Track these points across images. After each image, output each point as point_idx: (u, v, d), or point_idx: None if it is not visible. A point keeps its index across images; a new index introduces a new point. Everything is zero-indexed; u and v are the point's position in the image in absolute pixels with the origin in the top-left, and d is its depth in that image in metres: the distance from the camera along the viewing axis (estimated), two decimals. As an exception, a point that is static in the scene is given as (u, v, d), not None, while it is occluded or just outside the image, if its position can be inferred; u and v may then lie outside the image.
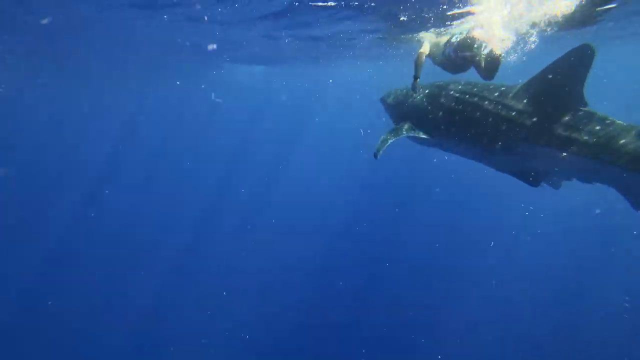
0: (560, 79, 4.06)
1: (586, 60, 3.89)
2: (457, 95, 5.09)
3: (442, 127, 5.27)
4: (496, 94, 4.70)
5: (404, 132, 5.54)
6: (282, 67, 21.56)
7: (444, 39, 6.14)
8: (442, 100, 5.28)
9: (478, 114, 4.73)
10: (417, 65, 5.67)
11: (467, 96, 4.94)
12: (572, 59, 3.93)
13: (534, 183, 4.66)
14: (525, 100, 4.39)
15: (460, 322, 14.29)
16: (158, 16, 9.87)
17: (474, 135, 4.84)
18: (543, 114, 4.19)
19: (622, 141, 3.66)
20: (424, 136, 5.51)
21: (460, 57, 5.51)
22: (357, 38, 12.50)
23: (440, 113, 5.26)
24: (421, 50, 5.88)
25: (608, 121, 3.89)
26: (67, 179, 28.12)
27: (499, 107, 4.54)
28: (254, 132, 41.14)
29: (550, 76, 4.16)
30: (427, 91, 5.73)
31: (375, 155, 5.27)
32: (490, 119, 4.59)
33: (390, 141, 5.38)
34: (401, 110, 6.23)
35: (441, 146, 5.78)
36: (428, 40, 6.40)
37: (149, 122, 39.84)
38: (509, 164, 4.78)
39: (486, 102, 4.68)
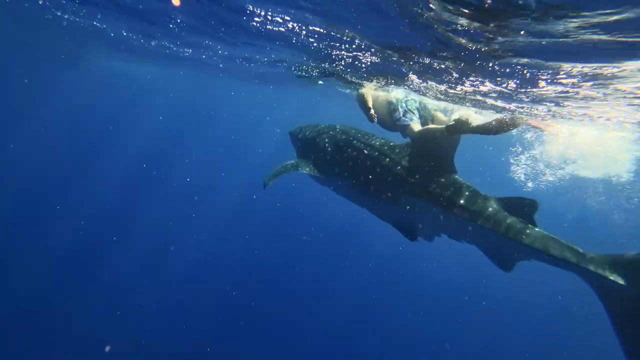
0: (432, 146, 4.68)
1: (456, 139, 4.56)
2: (355, 142, 5.44)
3: (337, 170, 5.54)
4: (386, 148, 5.13)
5: (299, 169, 5.75)
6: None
7: (384, 96, 6.27)
8: (342, 145, 5.59)
9: (369, 163, 5.09)
10: (364, 102, 6.14)
11: (363, 145, 5.31)
12: (429, 140, 4.63)
13: (412, 237, 5.02)
14: (408, 158, 4.88)
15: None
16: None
17: (364, 183, 5.16)
18: (423, 173, 4.68)
19: (489, 209, 4.25)
20: (318, 175, 5.75)
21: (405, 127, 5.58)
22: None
23: (338, 157, 5.54)
24: (362, 91, 6.33)
25: (472, 188, 4.50)
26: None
27: (387, 159, 4.96)
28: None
29: (422, 142, 4.78)
30: (331, 133, 6.00)
31: (265, 185, 5.41)
32: (378, 170, 4.97)
33: (283, 174, 5.56)
34: (305, 147, 6.48)
35: (333, 188, 6.04)
36: (369, 88, 6.66)
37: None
38: (392, 214, 5.13)
39: (377, 154, 5.08)
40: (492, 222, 4.15)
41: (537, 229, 4.01)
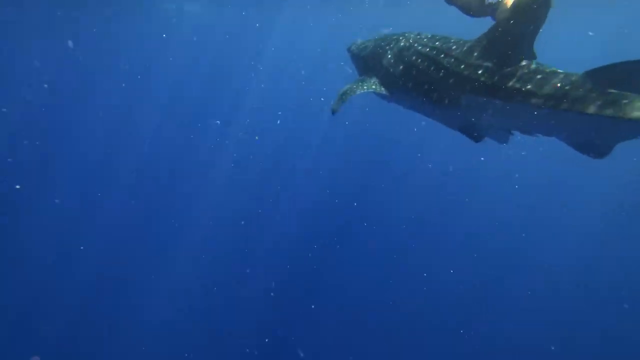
0: (512, 31, 4.02)
1: (540, 11, 3.81)
2: (419, 47, 4.97)
3: (401, 81, 5.19)
4: (453, 47, 4.65)
5: (365, 87, 5.46)
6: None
7: None
8: (405, 52, 5.15)
9: (433, 67, 4.70)
10: None
11: (427, 49, 4.85)
12: (526, 10, 3.85)
13: (478, 139, 4.73)
14: (475, 54, 4.38)
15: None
16: None
17: (427, 90, 4.83)
18: (490, 66, 4.19)
19: (565, 87, 3.67)
20: (384, 92, 5.46)
21: None
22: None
23: (401, 66, 5.14)
24: None
25: (549, 70, 3.92)
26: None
27: (452, 60, 4.53)
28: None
29: (500, 30, 4.12)
30: (389, 43, 5.58)
31: (333, 111, 5.20)
32: (441, 73, 4.59)
33: (351, 95, 5.30)
34: (365, 63, 6.13)
35: (398, 101, 5.72)
36: None
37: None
38: (455, 119, 4.82)
39: (442, 56, 4.65)
40: (574, 101, 3.56)
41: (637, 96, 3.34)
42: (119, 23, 27.78)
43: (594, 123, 3.55)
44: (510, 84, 3.97)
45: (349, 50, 6.82)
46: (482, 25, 4.53)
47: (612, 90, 3.48)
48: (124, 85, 30.74)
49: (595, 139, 3.92)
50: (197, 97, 32.87)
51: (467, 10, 4.66)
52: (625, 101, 3.37)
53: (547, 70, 3.92)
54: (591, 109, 3.48)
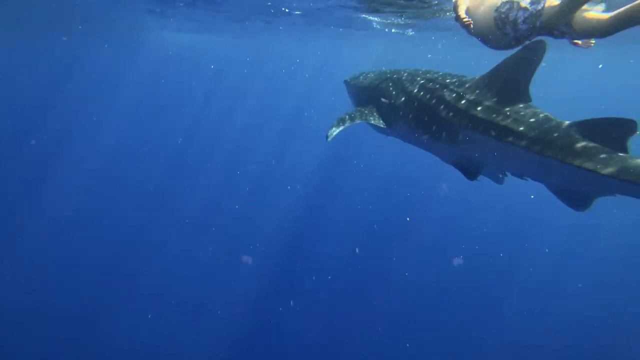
0: (511, 73, 4.15)
1: (537, 56, 3.97)
2: (422, 81, 5.02)
3: (401, 113, 5.19)
4: (455, 82, 4.71)
5: (362, 118, 5.43)
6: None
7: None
8: (407, 85, 5.20)
9: (434, 101, 4.72)
10: (455, 6, 4.31)
11: (431, 83, 4.90)
12: (524, 54, 3.98)
13: (472, 176, 4.69)
14: (477, 91, 4.43)
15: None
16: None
17: (425, 123, 4.84)
18: (488, 104, 4.24)
19: (554, 134, 3.70)
20: (381, 124, 5.43)
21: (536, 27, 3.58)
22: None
23: (403, 98, 5.17)
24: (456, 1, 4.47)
25: (542, 115, 3.97)
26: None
27: (453, 95, 4.56)
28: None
29: (502, 70, 4.24)
30: (390, 76, 5.65)
31: (327, 137, 5.14)
32: (441, 107, 4.61)
33: (346, 125, 5.25)
34: (363, 95, 6.14)
35: (396, 134, 5.69)
36: None
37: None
38: (452, 153, 4.81)
39: (444, 90, 4.69)
40: (560, 149, 3.55)
41: (621, 155, 3.34)
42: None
43: (572, 173, 3.55)
44: (505, 123, 3.99)
45: (346, 82, 6.85)
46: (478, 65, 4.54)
47: (594, 144, 3.49)
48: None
49: (575, 190, 3.92)
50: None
51: (484, 38, 4.35)
52: (602, 156, 3.38)
53: (541, 114, 3.97)
54: (571, 159, 3.48)
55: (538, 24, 3.48)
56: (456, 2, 4.36)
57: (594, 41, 3.77)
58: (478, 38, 4.24)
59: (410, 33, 13.88)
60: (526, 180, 4.37)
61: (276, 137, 31.64)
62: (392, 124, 5.45)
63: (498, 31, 3.81)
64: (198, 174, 24.67)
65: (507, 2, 3.70)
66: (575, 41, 3.85)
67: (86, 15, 16.11)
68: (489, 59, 4.73)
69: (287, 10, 12.28)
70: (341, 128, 5.18)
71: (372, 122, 5.43)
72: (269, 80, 44.72)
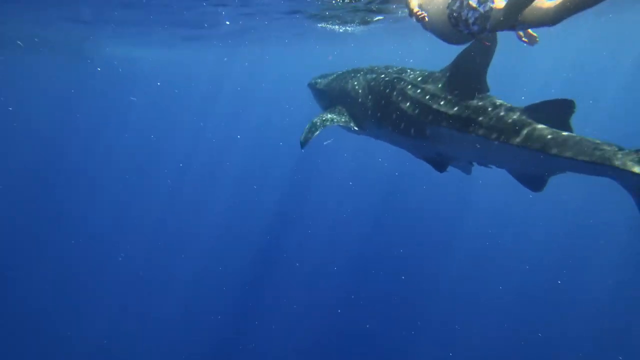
0: (468, 65, 4.30)
1: (490, 47, 4.12)
2: (388, 79, 5.10)
3: (370, 112, 5.22)
4: (419, 79, 4.81)
5: (335, 120, 5.45)
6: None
7: None
8: (372, 83, 5.26)
9: (400, 97, 4.80)
10: (410, 7, 4.16)
11: (396, 80, 4.98)
12: (478, 46, 4.13)
13: (441, 168, 4.85)
14: (439, 85, 4.56)
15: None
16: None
17: (394, 120, 4.91)
18: (449, 98, 4.38)
19: (510, 120, 3.91)
20: (354, 127, 5.47)
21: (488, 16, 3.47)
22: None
23: (370, 97, 5.23)
24: None
25: (498, 103, 4.15)
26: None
27: (418, 90, 4.66)
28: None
29: (459, 64, 4.38)
30: (356, 75, 5.68)
31: (302, 145, 5.14)
32: (408, 104, 4.70)
33: (319, 130, 5.25)
34: (330, 96, 6.12)
35: (368, 133, 5.72)
36: None
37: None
38: (422, 149, 4.92)
39: (409, 87, 4.78)
40: (513, 134, 3.81)
41: (564, 133, 3.64)
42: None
43: (526, 155, 3.81)
44: (465, 114, 4.17)
45: (310, 85, 6.82)
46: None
47: (543, 126, 3.77)
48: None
49: (531, 172, 4.17)
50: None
51: (438, 31, 4.30)
52: (550, 137, 3.65)
53: (497, 103, 4.15)
54: (522, 142, 3.74)
55: (487, 26, 3.51)
56: None
57: (538, 39, 3.97)
58: (433, 33, 4.24)
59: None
60: (490, 167, 4.55)
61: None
62: (362, 124, 5.49)
63: (452, 27, 3.81)
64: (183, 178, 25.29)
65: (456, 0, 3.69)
66: (523, 39, 4.06)
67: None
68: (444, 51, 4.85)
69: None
70: (315, 134, 5.18)
71: (344, 124, 5.45)
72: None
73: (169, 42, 18.58)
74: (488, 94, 4.31)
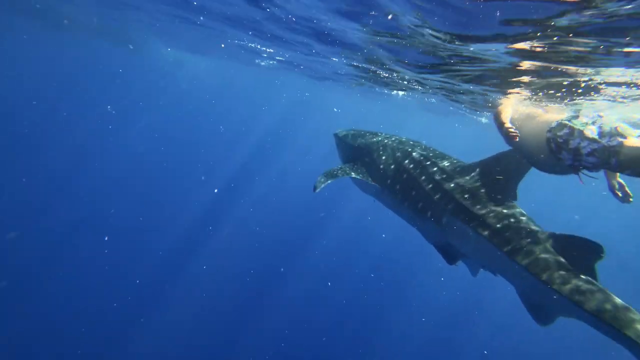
0: (503, 167, 4.18)
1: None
2: (414, 154, 5.04)
3: (389, 181, 5.16)
4: (446, 164, 4.72)
5: (352, 173, 5.39)
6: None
7: (551, 117, 3.76)
8: (399, 155, 5.20)
9: (423, 177, 4.71)
10: (498, 115, 4.08)
11: (422, 159, 4.90)
12: (518, 155, 4.02)
13: (451, 261, 4.61)
14: (467, 177, 4.43)
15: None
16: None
17: (413, 198, 4.79)
18: (474, 193, 4.23)
19: (526, 241, 3.66)
20: (371, 182, 5.38)
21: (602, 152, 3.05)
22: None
23: (392, 167, 5.16)
24: (502, 102, 4.62)
25: (524, 218, 3.93)
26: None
27: (443, 176, 4.56)
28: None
29: (496, 162, 4.28)
30: (386, 142, 5.65)
31: (315, 189, 5.07)
32: (430, 186, 4.58)
33: (335, 178, 5.20)
34: (355, 152, 6.11)
35: (379, 198, 5.64)
36: (509, 104, 4.71)
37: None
38: (434, 234, 4.74)
39: (434, 168, 4.69)
40: (536, 264, 3.46)
41: (595, 285, 3.26)
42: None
43: (538, 287, 3.48)
44: (485, 216, 3.96)
45: (336, 135, 6.82)
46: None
47: (567, 265, 3.43)
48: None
49: (538, 303, 3.79)
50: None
51: (532, 160, 3.91)
52: (578, 283, 3.26)
53: (522, 217, 3.94)
54: (540, 274, 3.40)
55: (613, 162, 2.95)
56: (500, 108, 4.12)
57: (632, 199, 3.61)
58: (521, 152, 3.94)
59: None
60: (497, 276, 4.25)
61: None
62: (380, 188, 5.42)
63: (551, 153, 3.39)
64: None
65: (563, 125, 3.25)
66: (616, 192, 3.66)
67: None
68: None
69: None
70: (330, 181, 5.12)
71: (363, 179, 5.39)
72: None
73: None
74: (515, 203, 4.16)
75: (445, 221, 4.36)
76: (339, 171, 5.30)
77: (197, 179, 27.60)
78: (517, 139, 3.62)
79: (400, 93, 13.36)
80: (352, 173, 5.34)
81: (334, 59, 9.94)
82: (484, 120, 13.80)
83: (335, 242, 22.03)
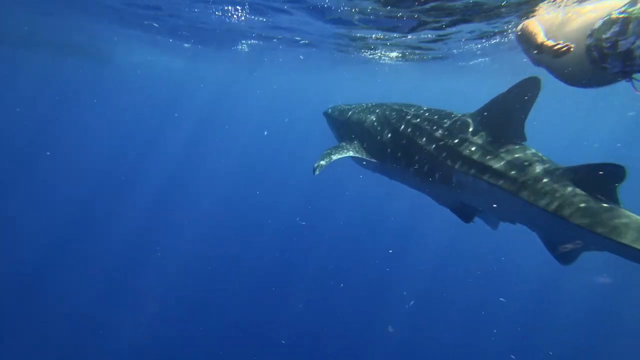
0: (504, 110, 3.94)
1: (532, 93, 3.76)
2: (410, 118, 4.81)
3: (389, 150, 4.96)
4: (445, 121, 4.50)
5: (351, 152, 5.20)
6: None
7: (591, 16, 3.30)
8: (394, 122, 4.98)
9: (424, 139, 4.49)
10: (531, 34, 3.56)
11: (419, 120, 4.68)
12: (519, 91, 3.79)
13: (468, 219, 4.46)
14: (470, 129, 4.21)
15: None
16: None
17: (417, 163, 4.58)
18: (481, 144, 4.03)
19: (544, 180, 3.49)
20: (372, 160, 5.19)
21: None
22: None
23: (390, 135, 4.96)
24: (526, 23, 3.88)
25: (537, 158, 3.75)
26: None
27: (445, 133, 4.33)
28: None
29: (495, 107, 4.04)
30: (377, 110, 5.44)
31: (314, 171, 4.90)
32: (433, 146, 4.37)
33: (333, 159, 5.02)
34: (347, 128, 5.91)
35: (383, 171, 5.45)
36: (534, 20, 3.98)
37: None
38: (445, 196, 4.56)
39: (434, 128, 4.47)
40: (551, 201, 3.32)
41: (616, 209, 3.13)
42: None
43: (563, 227, 3.32)
44: (497, 166, 3.76)
45: (326, 114, 6.61)
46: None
47: (588, 196, 3.27)
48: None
49: (564, 242, 3.64)
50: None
51: (566, 76, 3.55)
52: (599, 212, 3.12)
53: (535, 157, 3.74)
54: (561, 211, 3.24)
55: None
56: (526, 28, 3.67)
57: None
58: (551, 70, 3.60)
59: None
60: (515, 225, 4.13)
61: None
62: (379, 161, 5.23)
63: (593, 64, 2.99)
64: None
65: (612, 22, 2.70)
66: None
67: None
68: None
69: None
70: (329, 161, 4.95)
71: (360, 156, 5.21)
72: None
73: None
74: (525, 144, 3.95)
75: (456, 180, 4.17)
76: (337, 150, 5.10)
77: (207, 175, 27.62)
78: (571, 50, 2.98)
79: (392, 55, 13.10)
80: (351, 151, 5.15)
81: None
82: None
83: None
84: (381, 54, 12.97)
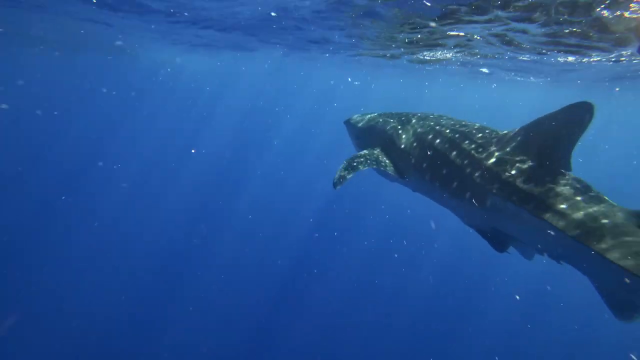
0: (550, 134, 3.50)
1: (584, 119, 3.32)
2: (438, 129, 4.47)
3: (414, 161, 4.61)
4: (479, 136, 4.11)
5: (373, 164, 4.84)
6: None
7: None
8: (421, 130, 4.66)
9: (455, 153, 4.12)
10: None
11: (449, 132, 4.32)
12: (569, 115, 3.36)
13: (501, 248, 3.97)
14: (508, 149, 3.79)
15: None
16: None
17: (445, 177, 4.23)
18: (523, 169, 3.59)
19: (603, 220, 3.02)
20: (394, 174, 4.84)
21: None
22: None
23: (416, 145, 4.63)
24: None
25: (590, 191, 3.31)
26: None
27: (479, 150, 3.94)
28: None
29: (540, 129, 3.59)
30: (404, 119, 5.13)
31: (335, 186, 4.55)
32: (465, 162, 3.99)
33: (356, 171, 4.66)
34: (370, 137, 5.56)
35: (407, 183, 5.07)
36: None
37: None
38: (476, 218, 4.13)
39: (466, 142, 4.10)
40: (613, 248, 2.84)
41: None
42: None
43: (621, 276, 2.82)
44: (544, 196, 3.31)
45: (347, 123, 6.28)
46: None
47: None
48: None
49: (622, 294, 3.14)
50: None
51: None
52: None
53: (588, 190, 3.30)
54: (623, 261, 2.75)
55: None
56: None
57: None
58: None
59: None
60: (562, 264, 3.59)
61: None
62: (404, 173, 4.86)
63: None
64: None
65: None
66: None
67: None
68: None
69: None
70: (351, 175, 4.61)
71: (384, 169, 4.84)
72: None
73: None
74: (571, 174, 3.49)
75: (491, 203, 3.74)
76: (357, 162, 4.73)
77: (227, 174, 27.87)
78: None
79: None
80: (374, 164, 4.80)
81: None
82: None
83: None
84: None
